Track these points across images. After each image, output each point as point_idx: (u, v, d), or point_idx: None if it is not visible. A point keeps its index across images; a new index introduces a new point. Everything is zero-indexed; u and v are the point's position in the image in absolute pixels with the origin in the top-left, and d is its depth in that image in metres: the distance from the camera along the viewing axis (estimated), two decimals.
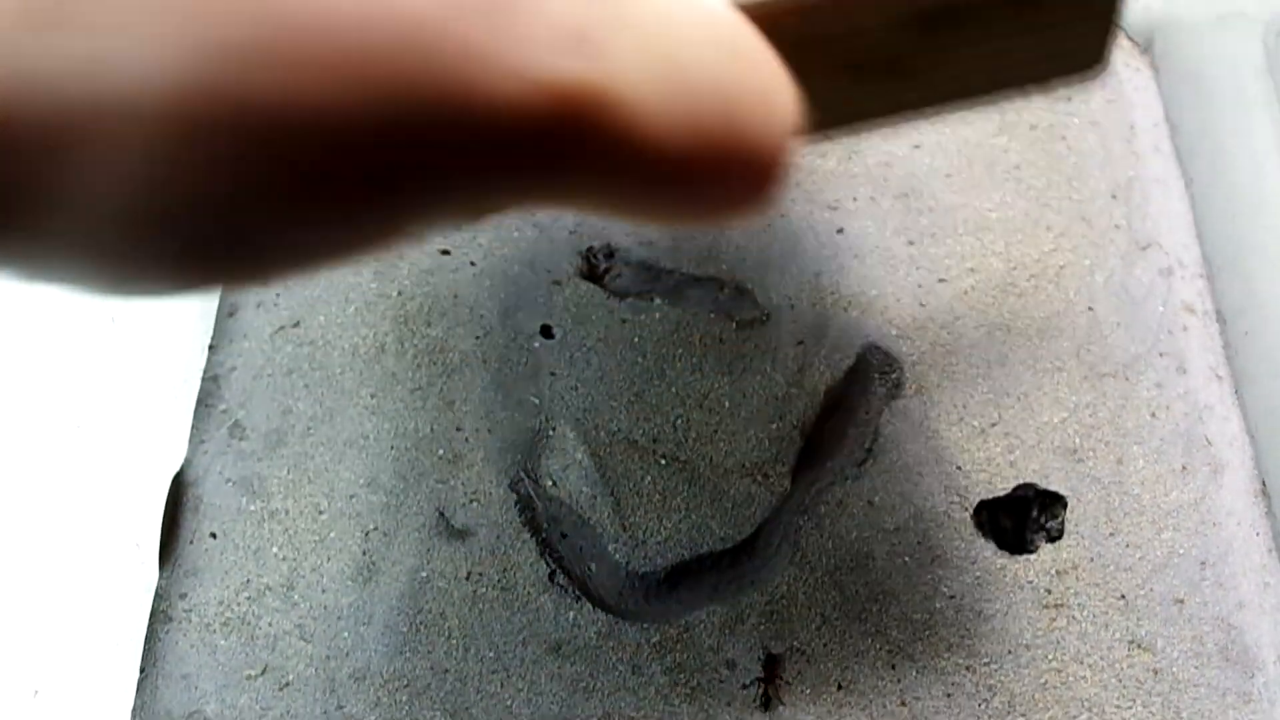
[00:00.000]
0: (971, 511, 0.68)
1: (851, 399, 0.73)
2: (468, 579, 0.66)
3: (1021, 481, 0.68)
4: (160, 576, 0.67)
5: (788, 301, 0.75)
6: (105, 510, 0.64)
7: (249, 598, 0.66)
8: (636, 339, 0.74)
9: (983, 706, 0.63)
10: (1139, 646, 0.64)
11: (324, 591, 0.66)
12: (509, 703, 0.63)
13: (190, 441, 0.71)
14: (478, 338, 0.74)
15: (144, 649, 0.65)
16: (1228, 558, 0.67)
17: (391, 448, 0.70)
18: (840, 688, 0.63)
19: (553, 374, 0.72)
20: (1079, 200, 0.80)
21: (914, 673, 0.64)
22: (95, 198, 0.23)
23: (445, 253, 0.78)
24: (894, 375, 0.73)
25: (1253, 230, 0.76)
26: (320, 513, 0.68)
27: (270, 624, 0.65)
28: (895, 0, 0.35)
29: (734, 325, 0.74)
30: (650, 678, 0.63)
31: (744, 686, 0.63)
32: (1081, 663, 0.64)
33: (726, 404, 0.72)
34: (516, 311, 0.75)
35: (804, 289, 0.75)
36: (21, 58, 0.22)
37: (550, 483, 0.69)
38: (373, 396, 0.72)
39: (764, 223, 0.78)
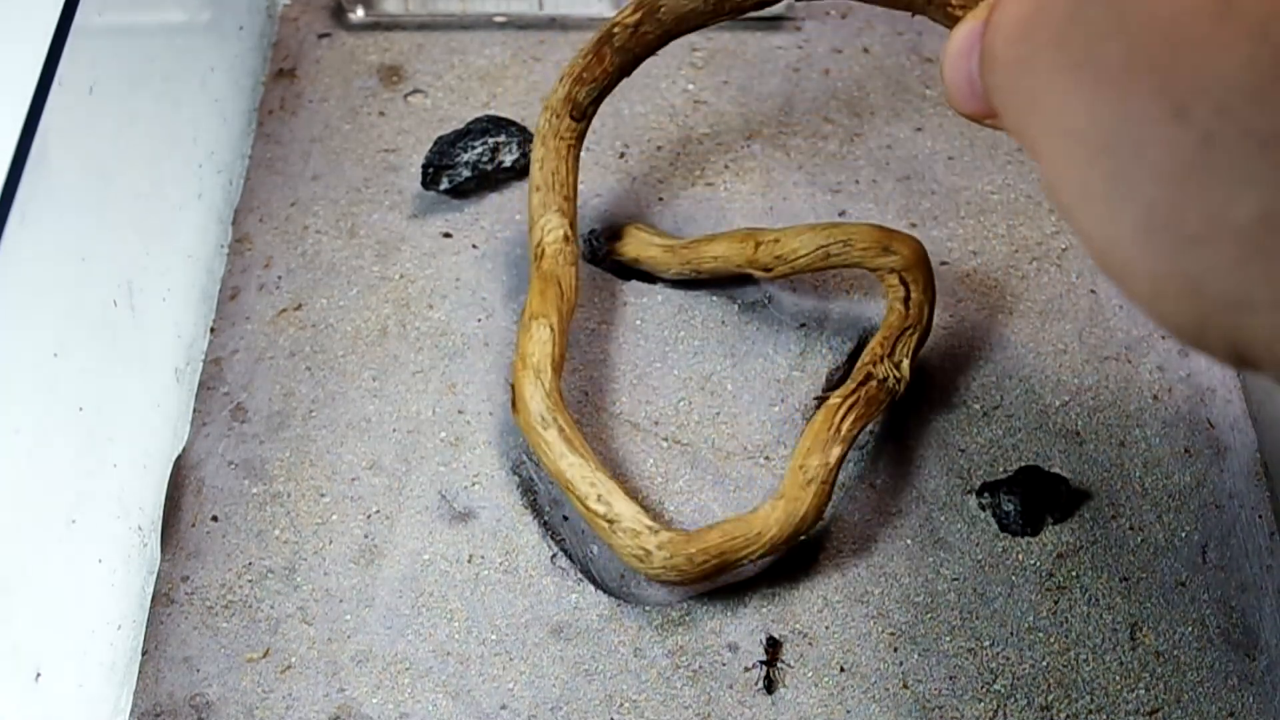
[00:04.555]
0: (974, 494, 0.68)
1: None
2: (470, 562, 0.66)
3: (1024, 464, 0.68)
4: (162, 559, 0.67)
5: (789, 285, 0.75)
6: (107, 493, 0.64)
7: (251, 580, 0.66)
8: (639, 321, 0.74)
9: (985, 689, 0.63)
10: (1141, 629, 0.64)
11: (326, 574, 0.66)
12: (511, 685, 0.63)
13: (192, 424, 0.71)
14: (480, 320, 0.74)
15: (146, 631, 0.65)
16: (1230, 540, 0.67)
17: (393, 430, 0.70)
18: (842, 670, 0.63)
19: None
20: None
21: (916, 655, 0.64)
22: None
23: (447, 235, 0.78)
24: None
25: None
26: (322, 495, 0.68)
27: (272, 607, 0.65)
28: None
29: (736, 308, 0.74)
30: (652, 661, 0.64)
31: (746, 669, 0.63)
32: (1084, 645, 0.64)
33: (729, 386, 0.72)
34: (519, 294, 0.75)
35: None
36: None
37: None
38: (375, 379, 0.72)
39: (766, 206, 0.78)
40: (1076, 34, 0.32)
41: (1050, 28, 0.34)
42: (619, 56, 0.69)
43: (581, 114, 0.71)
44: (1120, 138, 0.31)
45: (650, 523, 0.64)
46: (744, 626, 0.64)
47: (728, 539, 0.63)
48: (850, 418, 0.66)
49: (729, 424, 0.70)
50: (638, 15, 0.68)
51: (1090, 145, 0.32)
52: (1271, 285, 0.29)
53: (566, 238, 0.70)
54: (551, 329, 0.68)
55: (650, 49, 0.69)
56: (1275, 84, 0.27)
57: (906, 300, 0.69)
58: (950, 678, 0.63)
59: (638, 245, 0.75)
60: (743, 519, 0.64)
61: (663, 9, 0.67)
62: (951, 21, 0.61)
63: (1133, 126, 0.31)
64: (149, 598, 0.66)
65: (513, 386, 0.68)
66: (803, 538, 0.65)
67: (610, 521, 0.64)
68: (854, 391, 0.67)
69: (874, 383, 0.67)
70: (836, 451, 0.65)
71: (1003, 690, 0.63)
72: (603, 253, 0.76)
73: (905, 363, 0.68)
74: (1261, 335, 0.30)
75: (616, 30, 0.69)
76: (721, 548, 0.63)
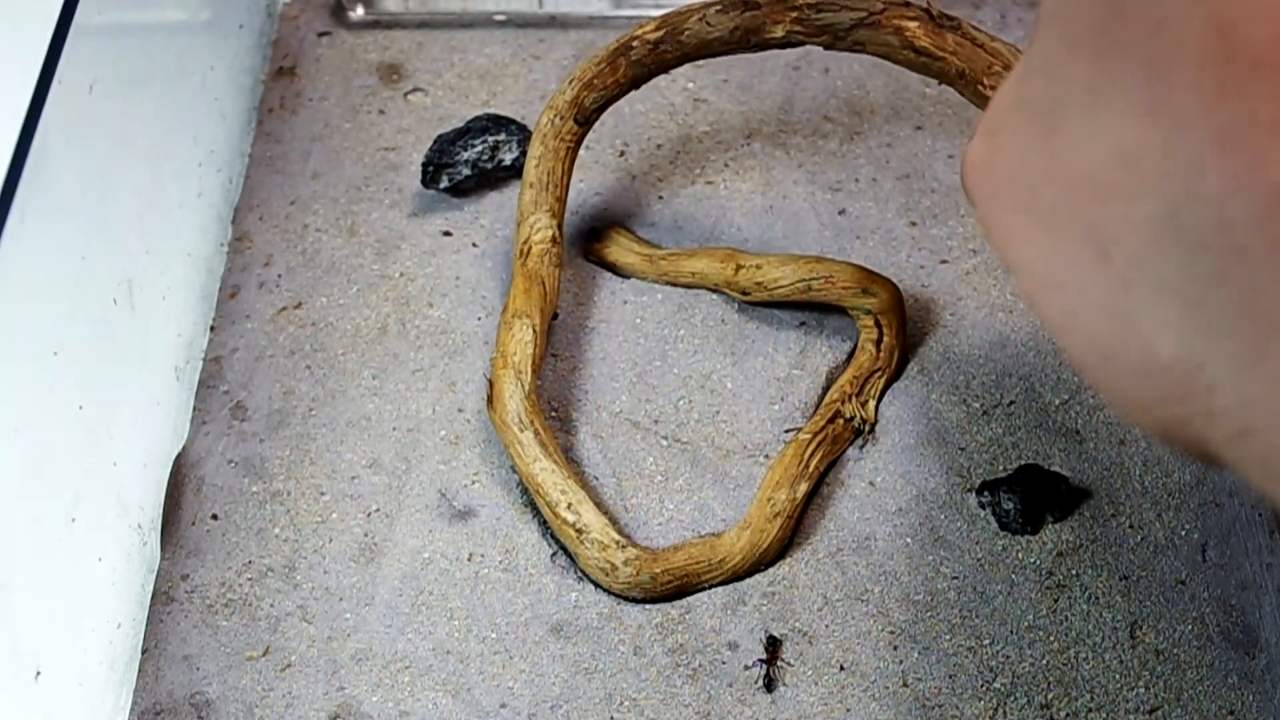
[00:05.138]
0: (974, 492, 0.68)
1: None
2: (469, 560, 0.66)
3: (1024, 463, 0.68)
4: (162, 558, 0.67)
5: None
6: (107, 491, 0.64)
7: (250, 579, 0.66)
8: (638, 320, 0.74)
9: (985, 687, 0.63)
10: (1141, 627, 0.64)
11: (326, 572, 0.66)
12: (511, 684, 0.63)
13: (192, 423, 0.71)
14: (480, 319, 0.74)
15: (145, 630, 0.65)
16: (1229, 539, 0.67)
17: (393, 429, 0.70)
18: (842, 669, 0.63)
19: (554, 355, 0.72)
20: None
21: (916, 654, 0.64)
22: None
23: (447, 234, 0.78)
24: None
25: None
26: (322, 494, 0.68)
27: (272, 605, 0.65)
28: None
29: (736, 306, 0.74)
30: (652, 659, 0.64)
31: (746, 668, 0.63)
32: (1084, 643, 0.64)
33: (729, 385, 0.72)
34: None
35: None
36: None
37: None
38: (374, 378, 0.72)
39: (766, 204, 0.78)
40: (1022, 179, 0.34)
41: (1002, 172, 0.36)
42: (633, 70, 0.69)
43: (585, 118, 0.71)
44: (1062, 277, 0.33)
45: (618, 537, 0.64)
46: (744, 625, 0.64)
47: (692, 562, 0.64)
48: (818, 455, 0.68)
49: (729, 422, 0.70)
50: (660, 33, 0.68)
51: (1042, 282, 0.34)
52: (1205, 420, 0.31)
53: (554, 239, 0.70)
54: (534, 329, 0.68)
55: (666, 67, 0.69)
56: (1170, 235, 0.29)
57: (879, 343, 0.70)
58: (950, 676, 0.63)
59: (617, 250, 0.76)
60: (708, 543, 0.65)
61: (686, 32, 0.67)
62: (981, 99, 0.61)
63: (1070, 268, 0.33)
64: (149, 596, 0.66)
65: (490, 382, 0.68)
66: (762, 569, 0.66)
67: (579, 531, 0.64)
68: (822, 429, 0.68)
69: (840, 421, 0.69)
70: (803, 488, 0.66)
71: (1002, 688, 0.63)
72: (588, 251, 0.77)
73: (871, 404, 0.70)
74: (1221, 453, 0.32)
75: (635, 44, 0.68)
76: (685, 569, 0.64)
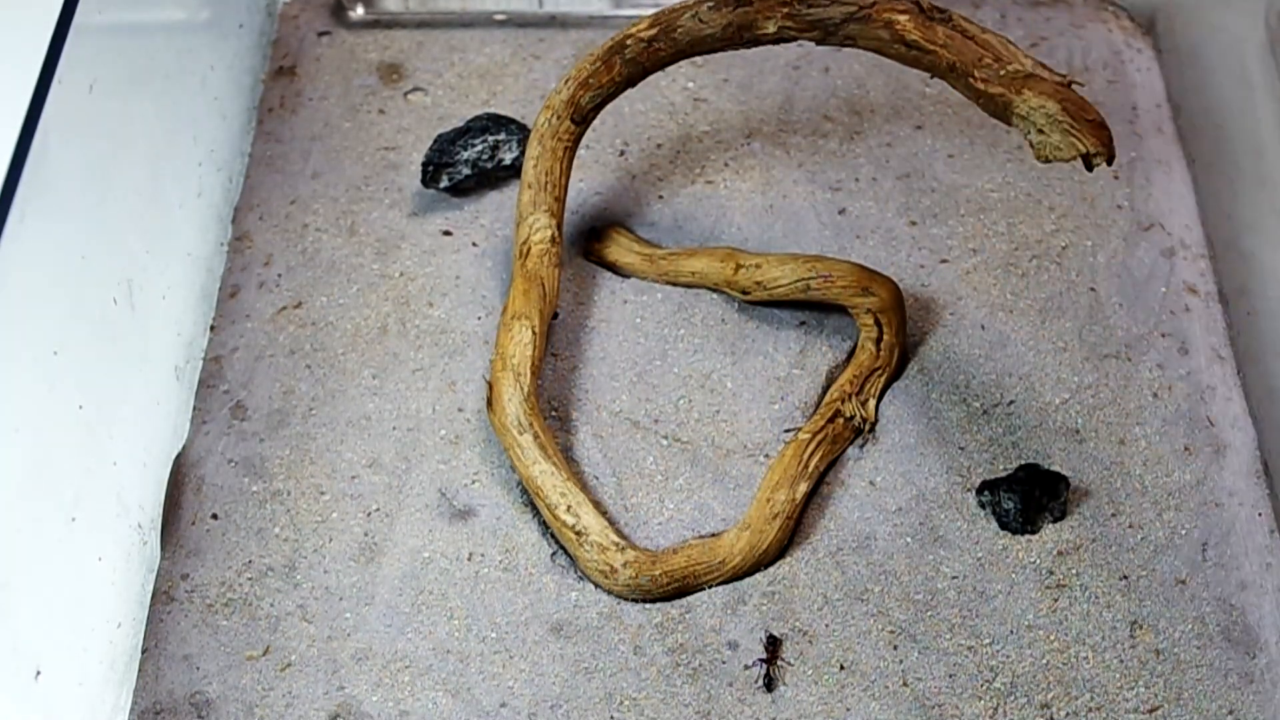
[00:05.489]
0: (974, 492, 0.68)
1: None
2: (469, 559, 0.66)
3: (1024, 462, 0.68)
4: (162, 557, 0.67)
5: None
6: (107, 491, 0.64)
7: (250, 578, 0.66)
8: (639, 319, 0.74)
9: (985, 687, 0.63)
10: (1141, 627, 0.64)
11: (326, 572, 0.66)
12: (511, 683, 0.63)
13: (192, 422, 0.71)
14: (480, 318, 0.74)
15: (146, 629, 0.65)
16: (1230, 538, 0.67)
17: (393, 428, 0.70)
18: (842, 668, 0.63)
19: (554, 354, 0.72)
20: (1081, 181, 0.79)
21: (916, 653, 0.64)
22: None
23: (447, 233, 0.78)
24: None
25: (1255, 211, 0.76)
26: (322, 493, 0.68)
27: (272, 604, 0.65)
28: None
29: (736, 305, 0.74)
30: (652, 658, 0.64)
31: (746, 667, 0.63)
32: (1084, 643, 0.64)
33: (729, 384, 0.72)
34: None
35: None
36: None
37: None
38: (374, 377, 0.72)
39: (766, 204, 0.78)
40: None
41: None
42: (628, 68, 0.69)
43: (582, 118, 0.71)
44: None
45: (617, 539, 0.64)
46: (744, 624, 0.64)
47: (691, 564, 0.64)
48: (818, 455, 0.68)
49: (729, 422, 0.70)
50: (653, 31, 0.68)
51: None
52: None
53: (554, 239, 0.70)
54: (533, 331, 0.68)
55: (660, 65, 0.69)
56: None
57: (879, 341, 0.70)
58: (950, 675, 0.63)
59: (617, 249, 0.76)
60: (707, 544, 0.65)
61: (679, 30, 0.67)
62: (972, 92, 0.61)
63: None
64: (149, 595, 0.66)
65: (490, 385, 0.68)
66: (762, 569, 0.66)
67: (578, 534, 0.64)
68: (822, 429, 0.68)
69: (840, 420, 0.69)
70: (803, 488, 0.66)
71: (1002, 688, 0.62)
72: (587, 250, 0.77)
73: (871, 403, 0.70)
74: None
75: (629, 42, 0.68)
76: (685, 571, 0.64)
